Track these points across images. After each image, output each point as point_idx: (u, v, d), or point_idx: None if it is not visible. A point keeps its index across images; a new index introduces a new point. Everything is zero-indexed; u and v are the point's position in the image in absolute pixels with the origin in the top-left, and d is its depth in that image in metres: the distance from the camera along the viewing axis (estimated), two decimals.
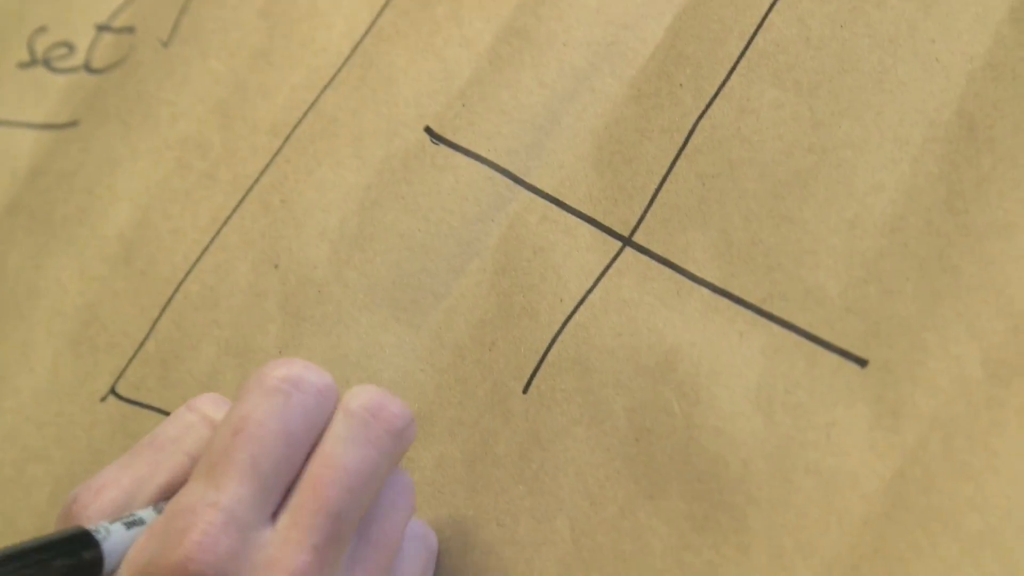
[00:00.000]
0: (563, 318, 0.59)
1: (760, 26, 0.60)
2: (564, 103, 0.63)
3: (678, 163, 0.60)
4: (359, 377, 0.61)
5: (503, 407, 0.59)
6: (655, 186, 0.60)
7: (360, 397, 0.53)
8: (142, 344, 0.66)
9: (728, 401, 0.56)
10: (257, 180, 0.67)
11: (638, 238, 0.59)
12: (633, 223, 0.60)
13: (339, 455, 0.51)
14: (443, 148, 0.64)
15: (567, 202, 0.61)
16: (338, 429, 0.52)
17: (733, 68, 0.60)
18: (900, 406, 0.53)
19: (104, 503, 0.52)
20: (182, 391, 0.64)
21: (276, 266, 0.65)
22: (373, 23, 0.68)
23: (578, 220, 0.61)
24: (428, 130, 0.65)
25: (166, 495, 0.53)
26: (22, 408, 0.67)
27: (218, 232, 0.67)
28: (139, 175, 0.70)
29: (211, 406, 0.55)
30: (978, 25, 0.57)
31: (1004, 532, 0.50)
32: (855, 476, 0.52)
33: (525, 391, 0.59)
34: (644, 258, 0.59)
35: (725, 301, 0.57)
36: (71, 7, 0.78)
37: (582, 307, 0.59)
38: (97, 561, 0.49)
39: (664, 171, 0.60)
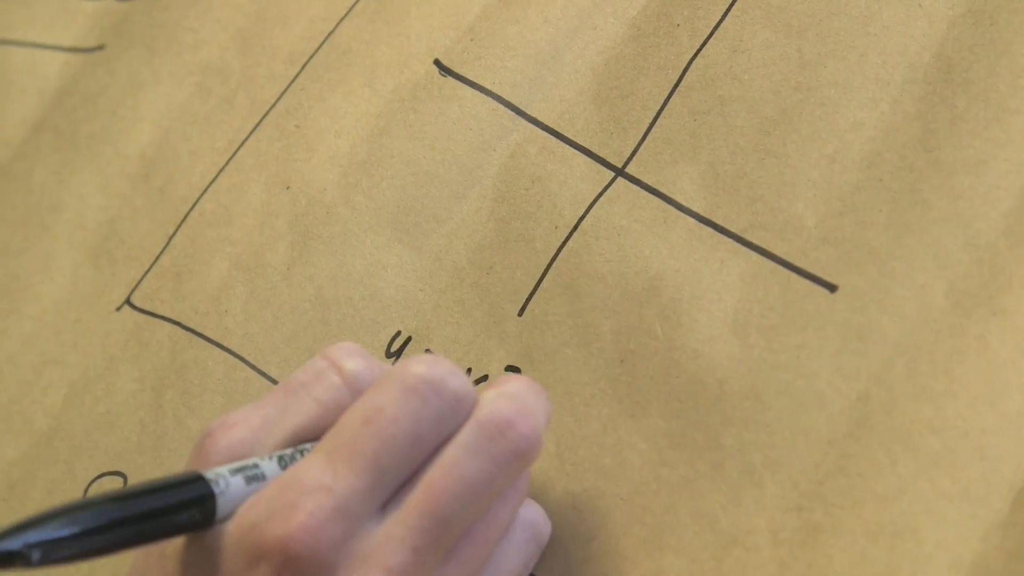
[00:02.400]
0: (558, 244, 0.61)
1: None
2: (567, 39, 0.65)
3: (672, 99, 0.62)
4: (361, 295, 0.63)
5: (499, 328, 0.61)
6: (649, 120, 0.62)
7: (495, 406, 0.52)
8: (158, 258, 0.68)
9: (707, 325, 0.58)
10: (273, 106, 0.69)
11: (631, 169, 0.61)
12: (627, 155, 0.62)
13: (459, 464, 0.50)
14: (451, 80, 0.66)
15: (565, 134, 0.63)
16: (464, 437, 0.51)
17: (728, 10, 0.62)
18: (867, 331, 0.55)
19: (233, 440, 0.52)
20: (193, 303, 0.66)
21: (288, 188, 0.67)
22: None
23: (575, 151, 0.63)
24: (437, 63, 0.67)
25: (294, 440, 0.52)
26: (42, 315, 0.69)
27: (234, 154, 0.69)
28: (161, 98, 0.72)
29: (344, 355, 0.54)
30: None
31: (959, 453, 0.52)
32: (822, 396, 0.54)
33: (520, 314, 0.61)
34: (635, 188, 0.61)
35: (708, 230, 0.59)
36: None
37: (575, 234, 0.61)
38: (210, 513, 0.50)
39: (658, 107, 0.62)
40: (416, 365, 0.51)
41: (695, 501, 0.55)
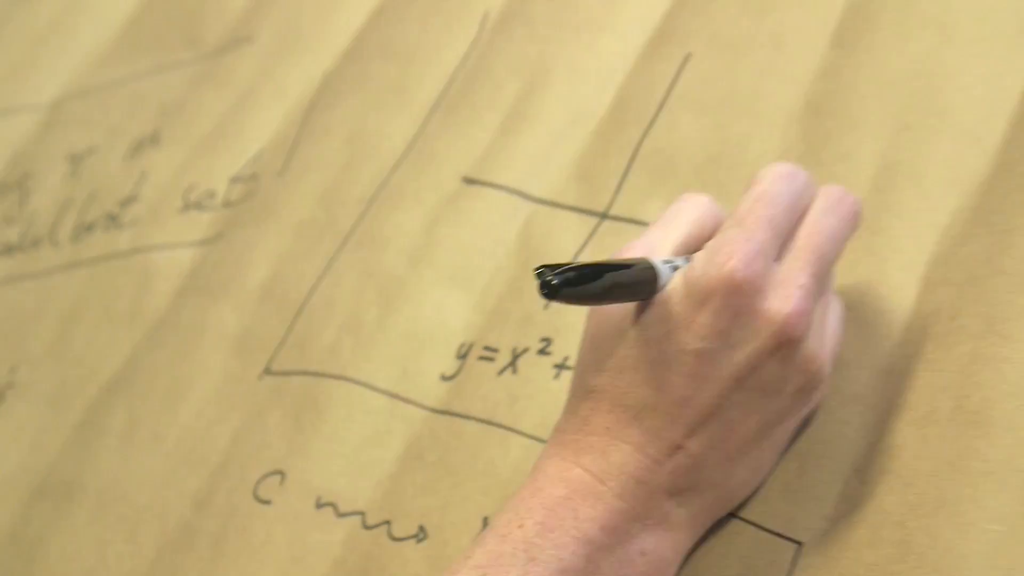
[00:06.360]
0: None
1: None
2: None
3: (632, 168, 0.93)
4: (435, 324, 0.91)
5: (530, 320, 0.90)
6: (617, 183, 0.93)
7: (833, 188, 0.75)
8: (284, 338, 0.96)
9: None
10: (352, 231, 0.99)
11: (612, 212, 0.92)
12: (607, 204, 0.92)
13: (822, 219, 0.73)
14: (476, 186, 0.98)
15: (560, 202, 0.94)
16: (820, 203, 0.74)
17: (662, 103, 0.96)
18: None
19: (635, 253, 0.72)
20: (315, 358, 0.94)
21: (371, 276, 0.95)
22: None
23: (568, 211, 0.93)
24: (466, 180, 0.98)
25: (677, 253, 0.73)
26: (205, 393, 0.96)
27: (329, 266, 0.99)
28: (272, 247, 1.01)
29: (699, 196, 0.76)
30: None
31: None
32: None
33: (546, 307, 0.89)
34: (619, 224, 0.91)
35: None
36: (212, 167, 1.08)
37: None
38: (655, 286, 0.70)
39: (620, 177, 0.93)
40: (779, 166, 0.74)
41: None
